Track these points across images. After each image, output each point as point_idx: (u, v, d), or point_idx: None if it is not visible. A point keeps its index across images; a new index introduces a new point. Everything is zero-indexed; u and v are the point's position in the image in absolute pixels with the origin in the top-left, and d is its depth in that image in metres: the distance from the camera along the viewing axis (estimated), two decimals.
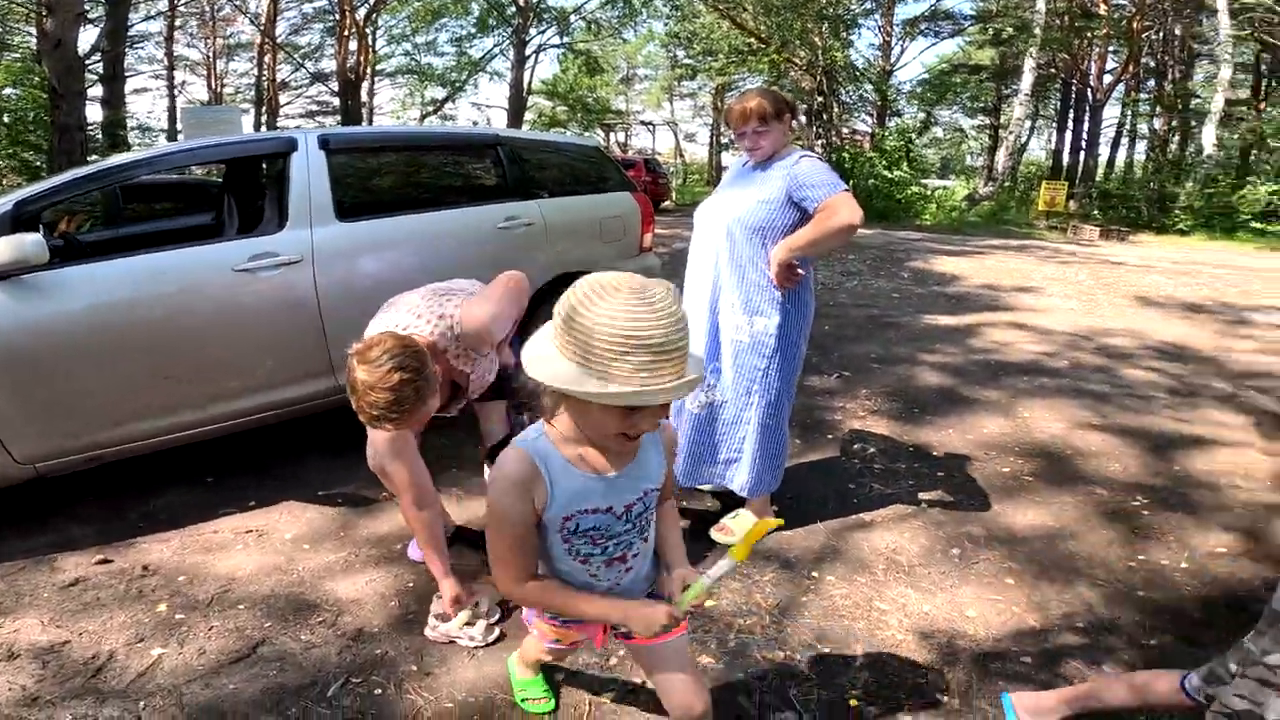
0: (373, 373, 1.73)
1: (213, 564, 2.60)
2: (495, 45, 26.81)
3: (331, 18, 25.79)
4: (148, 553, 2.67)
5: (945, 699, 2.00)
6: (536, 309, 3.30)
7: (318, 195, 3.18)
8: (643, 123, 42.83)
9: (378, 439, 2.09)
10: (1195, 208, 17.18)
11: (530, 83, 29.23)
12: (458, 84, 29.07)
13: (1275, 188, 16.23)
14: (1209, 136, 18.11)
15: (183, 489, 3.12)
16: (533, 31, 26.36)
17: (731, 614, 2.34)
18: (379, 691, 1.99)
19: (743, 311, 2.50)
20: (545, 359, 1.17)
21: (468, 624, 2.17)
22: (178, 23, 26.87)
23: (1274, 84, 21.82)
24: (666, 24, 26.20)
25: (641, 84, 40.34)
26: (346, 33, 24.15)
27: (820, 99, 17.85)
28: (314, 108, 30.66)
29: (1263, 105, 20.97)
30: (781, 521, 2.66)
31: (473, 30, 26.59)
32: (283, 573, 2.55)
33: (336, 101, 26.39)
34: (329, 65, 27.36)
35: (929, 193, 19.57)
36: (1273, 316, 6.91)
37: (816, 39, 17.98)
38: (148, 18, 23.58)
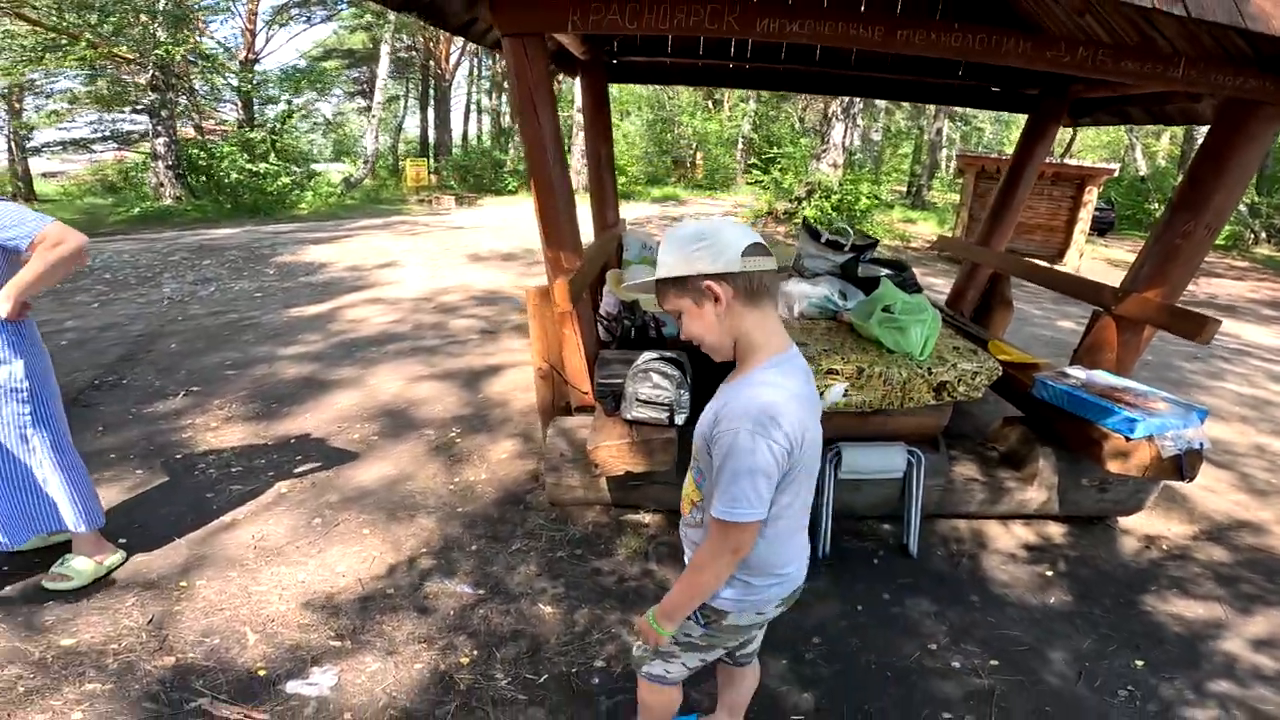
0: None
1: None
2: None
3: None
4: None
5: (340, 643, 2.34)
6: None
7: None
8: None
9: None
10: (519, 170, 20.96)
11: None
12: None
13: None
14: None
15: None
16: None
17: (103, 643, 2.26)
18: None
19: None
20: None
21: None
22: None
23: None
24: None
25: None
26: None
27: (156, 95, 15.65)
28: None
29: None
30: (123, 554, 2.63)
31: None
32: None
33: None
34: None
35: (304, 181, 19.25)
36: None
37: (143, 33, 15.46)
38: None
